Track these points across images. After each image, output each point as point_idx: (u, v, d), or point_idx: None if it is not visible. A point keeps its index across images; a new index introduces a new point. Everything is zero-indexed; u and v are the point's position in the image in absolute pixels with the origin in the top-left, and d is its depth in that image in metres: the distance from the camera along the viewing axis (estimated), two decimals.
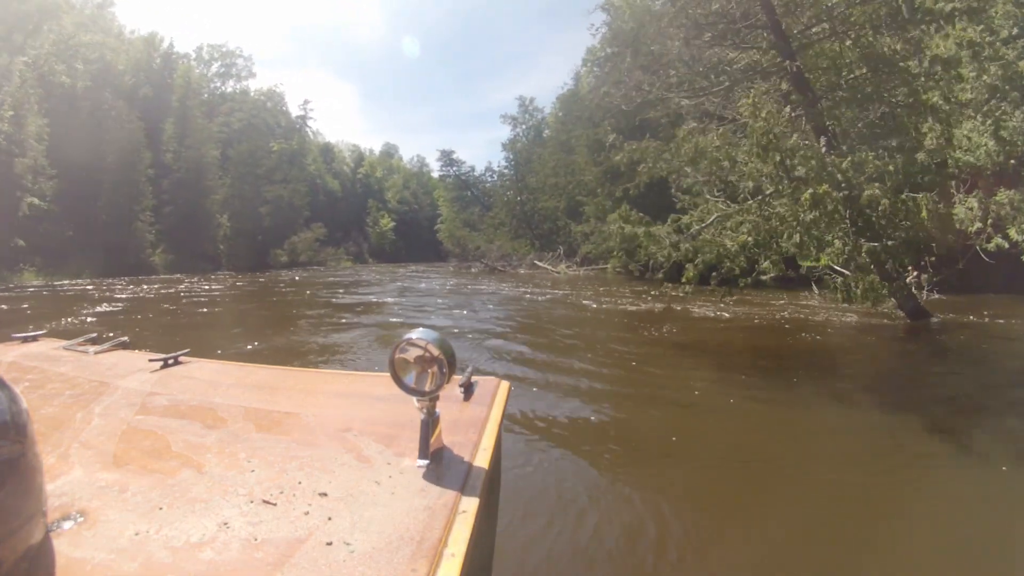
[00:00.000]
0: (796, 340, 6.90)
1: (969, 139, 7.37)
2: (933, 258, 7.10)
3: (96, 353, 1.73)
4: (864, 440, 3.40)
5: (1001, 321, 7.90)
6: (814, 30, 7.30)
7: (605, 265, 22.52)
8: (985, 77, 7.34)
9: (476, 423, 1.14)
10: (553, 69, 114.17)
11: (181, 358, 1.65)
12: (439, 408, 1.01)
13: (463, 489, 0.90)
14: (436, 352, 0.98)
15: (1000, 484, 2.69)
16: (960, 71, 6.66)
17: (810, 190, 5.54)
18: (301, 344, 6.72)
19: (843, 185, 5.70)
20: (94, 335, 1.96)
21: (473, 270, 28.12)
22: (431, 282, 19.30)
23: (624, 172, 19.30)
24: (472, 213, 42.76)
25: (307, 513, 0.84)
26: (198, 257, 28.92)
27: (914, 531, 2.32)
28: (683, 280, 6.89)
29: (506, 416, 1.27)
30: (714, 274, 6.97)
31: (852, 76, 6.95)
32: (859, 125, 7.24)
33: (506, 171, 39.90)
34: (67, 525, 0.81)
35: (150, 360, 1.61)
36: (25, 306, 10.93)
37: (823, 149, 6.31)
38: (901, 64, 6.62)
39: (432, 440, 0.99)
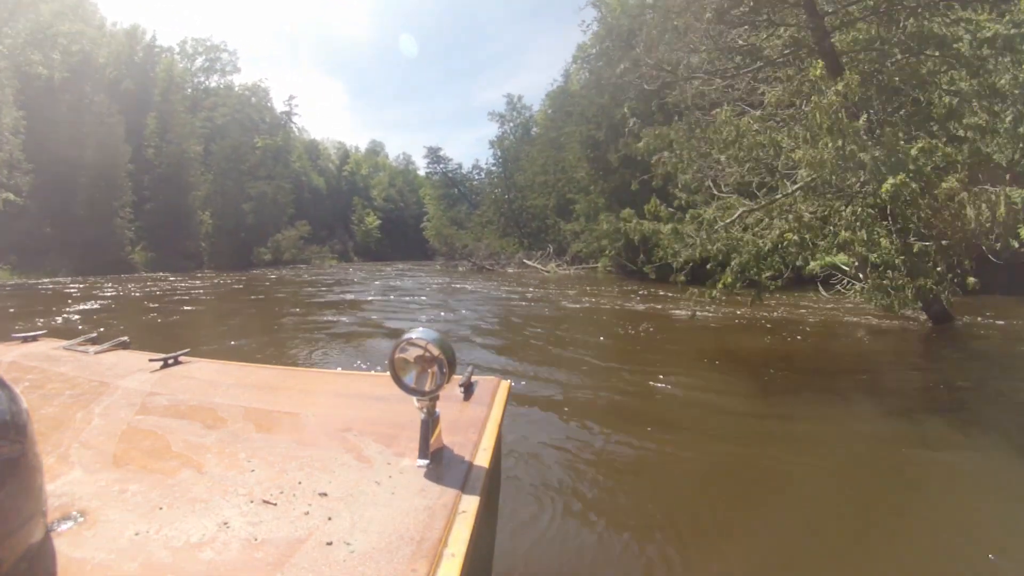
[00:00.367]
0: (824, 345, 6.52)
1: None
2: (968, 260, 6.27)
3: (96, 353, 1.73)
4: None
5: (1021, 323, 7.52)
6: (852, 7, 6.62)
7: (595, 264, 22.39)
8: None
9: (476, 423, 1.15)
10: (540, 69, 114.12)
11: (181, 358, 1.66)
12: (439, 408, 1.01)
13: (463, 489, 0.90)
14: (436, 352, 0.98)
15: None
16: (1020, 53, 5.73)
17: (891, 180, 4.77)
18: (285, 341, 6.67)
19: (914, 175, 4.95)
20: (94, 335, 1.96)
21: (460, 269, 27.95)
22: (417, 280, 19.17)
23: (617, 169, 19.43)
24: (459, 211, 42.59)
25: (307, 513, 0.84)
26: (179, 255, 28.42)
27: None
28: (720, 284, 6.02)
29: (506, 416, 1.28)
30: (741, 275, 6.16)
31: (896, 60, 6.23)
32: (901, 112, 6.47)
33: (494, 168, 39.76)
34: (67, 525, 0.81)
35: (150, 360, 1.62)
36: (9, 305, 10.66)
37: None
38: (955, 46, 5.88)
39: (432, 440, 0.99)
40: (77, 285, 15.69)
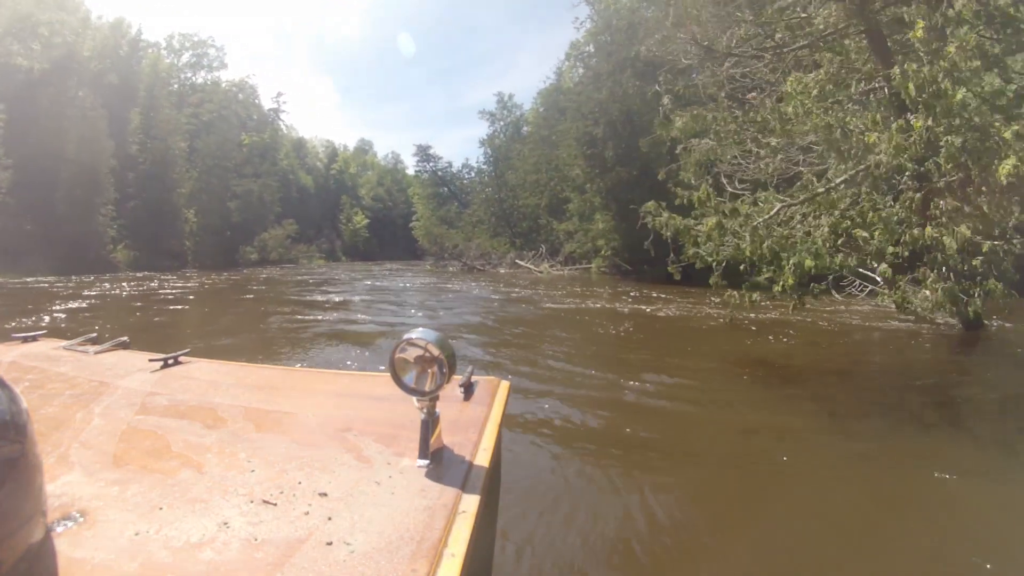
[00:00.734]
0: (858, 354, 6.25)
1: None
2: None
3: (96, 353, 1.73)
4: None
5: None
6: None
7: (589, 265, 22.15)
8: None
9: (476, 423, 1.15)
10: (530, 68, 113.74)
11: (181, 358, 1.65)
12: (439, 408, 1.02)
13: (463, 489, 0.91)
14: (436, 352, 0.98)
15: None
16: None
17: (1011, 162, 3.92)
18: (274, 339, 6.63)
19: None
20: (94, 335, 1.95)
21: (451, 269, 27.72)
22: (407, 281, 19.03)
23: (614, 167, 19.11)
24: (449, 210, 42.14)
25: (307, 513, 0.84)
26: (163, 254, 27.91)
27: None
28: (778, 288, 5.34)
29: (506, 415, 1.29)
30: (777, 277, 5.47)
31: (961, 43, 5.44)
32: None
33: (484, 167, 39.47)
34: (67, 525, 0.81)
35: (150, 360, 1.62)
36: None
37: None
38: None
39: (432, 440, 1.00)
40: (62, 284, 15.34)
